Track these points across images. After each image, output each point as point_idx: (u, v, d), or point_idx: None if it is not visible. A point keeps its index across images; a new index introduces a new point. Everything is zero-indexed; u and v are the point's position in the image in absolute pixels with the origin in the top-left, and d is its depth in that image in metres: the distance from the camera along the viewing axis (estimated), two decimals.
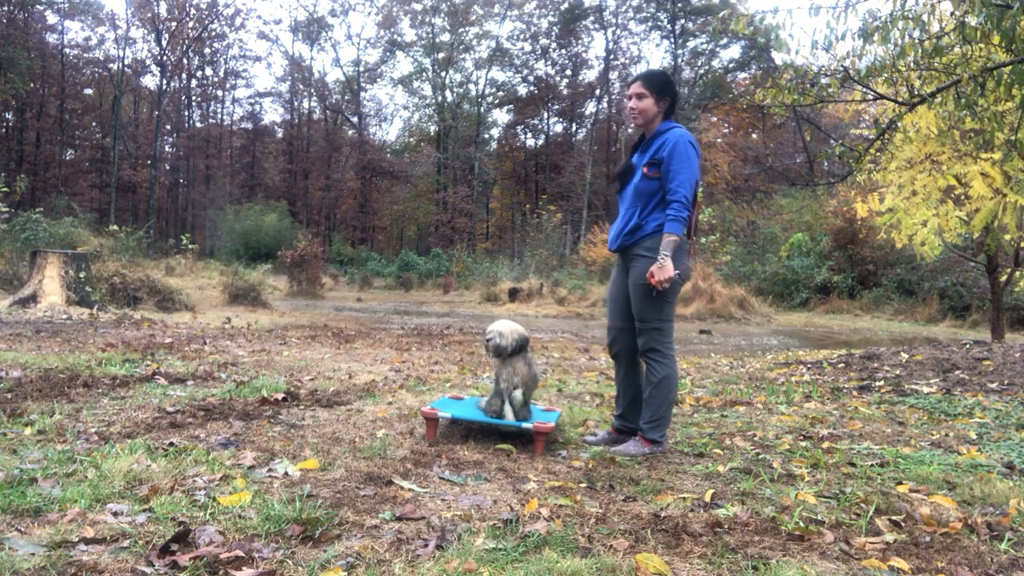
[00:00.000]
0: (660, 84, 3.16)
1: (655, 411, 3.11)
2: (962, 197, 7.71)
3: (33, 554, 1.76)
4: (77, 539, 1.86)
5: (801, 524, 2.22)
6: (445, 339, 8.86)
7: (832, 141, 7.02)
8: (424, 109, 49.42)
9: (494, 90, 47.91)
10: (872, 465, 3.05)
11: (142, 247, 20.87)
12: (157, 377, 4.59)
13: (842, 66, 5.64)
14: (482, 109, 47.06)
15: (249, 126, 49.74)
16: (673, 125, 3.13)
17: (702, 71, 43.19)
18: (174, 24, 42.36)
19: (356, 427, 3.43)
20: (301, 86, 47.78)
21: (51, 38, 40.68)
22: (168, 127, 45.31)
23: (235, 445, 2.94)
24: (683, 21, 41.81)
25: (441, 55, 44.80)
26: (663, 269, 2.94)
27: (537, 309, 18.51)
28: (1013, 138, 5.83)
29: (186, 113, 48.13)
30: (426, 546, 1.94)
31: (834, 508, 2.45)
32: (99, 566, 1.72)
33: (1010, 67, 4.78)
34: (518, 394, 3.22)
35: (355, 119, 46.74)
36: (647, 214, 3.10)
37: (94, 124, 44.80)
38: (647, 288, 3.04)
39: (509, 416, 3.22)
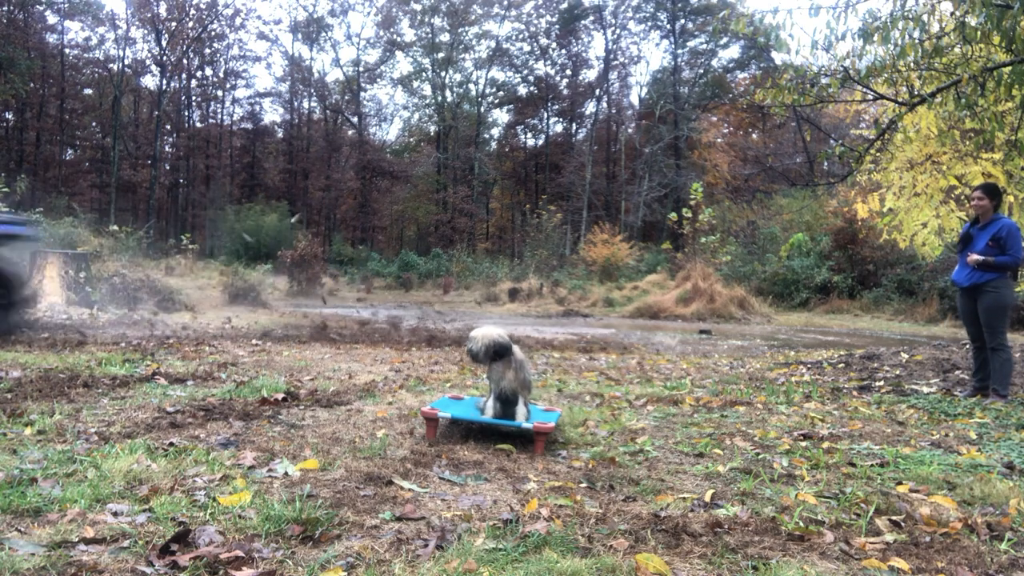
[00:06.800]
0: (991, 192, 5.12)
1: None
2: (963, 197, 7.70)
3: (33, 554, 1.76)
4: (77, 539, 1.86)
5: (801, 524, 2.22)
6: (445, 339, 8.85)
7: (832, 141, 7.02)
8: (424, 109, 49.41)
9: (494, 90, 47.92)
10: (872, 465, 3.05)
11: (142, 247, 20.86)
12: (157, 377, 4.59)
13: (842, 66, 5.64)
14: (482, 109, 47.05)
15: (249, 126, 49.62)
16: (1002, 216, 5.10)
17: (702, 71, 43.19)
18: (174, 24, 42.30)
19: (356, 427, 3.43)
20: (301, 86, 47.71)
21: (51, 38, 40.60)
22: (168, 127, 45.25)
23: (235, 445, 2.94)
24: (683, 21, 41.82)
25: (441, 55, 44.77)
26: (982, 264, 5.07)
27: (537, 309, 18.50)
28: (1013, 138, 5.83)
29: (186, 113, 48.05)
30: (426, 546, 1.93)
31: (834, 508, 2.44)
32: (99, 566, 1.72)
33: (1010, 67, 4.79)
34: (506, 384, 3.25)
35: (355, 119, 46.70)
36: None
37: (94, 124, 44.74)
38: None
39: (520, 416, 3.23)
